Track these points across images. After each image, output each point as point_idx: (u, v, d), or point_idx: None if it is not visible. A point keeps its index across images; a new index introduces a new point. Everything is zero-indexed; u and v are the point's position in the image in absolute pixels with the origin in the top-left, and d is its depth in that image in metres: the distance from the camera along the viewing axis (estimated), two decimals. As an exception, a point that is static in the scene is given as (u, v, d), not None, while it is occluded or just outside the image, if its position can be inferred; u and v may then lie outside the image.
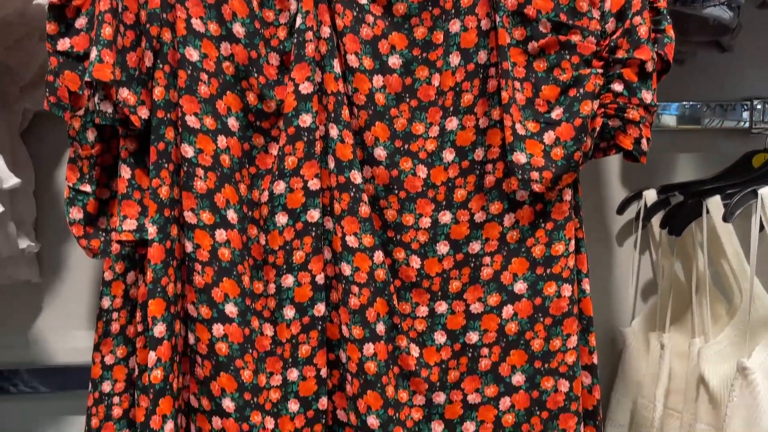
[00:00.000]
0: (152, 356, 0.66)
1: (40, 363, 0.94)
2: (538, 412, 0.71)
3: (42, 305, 0.95)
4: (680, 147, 1.02)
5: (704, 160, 1.02)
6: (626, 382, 0.98)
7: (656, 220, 0.97)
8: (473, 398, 0.72)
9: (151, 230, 0.67)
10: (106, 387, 0.74)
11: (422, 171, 0.72)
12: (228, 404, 0.69)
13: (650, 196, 0.97)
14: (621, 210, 0.99)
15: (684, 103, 0.98)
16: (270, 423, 0.70)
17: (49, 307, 0.95)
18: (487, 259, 0.72)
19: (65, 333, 0.95)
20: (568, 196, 0.71)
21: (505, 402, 0.71)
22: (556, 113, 0.69)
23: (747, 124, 0.99)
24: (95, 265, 0.95)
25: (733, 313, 0.89)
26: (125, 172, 0.70)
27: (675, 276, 0.96)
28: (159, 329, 0.67)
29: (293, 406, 0.71)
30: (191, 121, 0.68)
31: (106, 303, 0.75)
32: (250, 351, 0.70)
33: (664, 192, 0.96)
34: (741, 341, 0.84)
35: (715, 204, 0.87)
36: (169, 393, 0.68)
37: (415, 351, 0.72)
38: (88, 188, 0.72)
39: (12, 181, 0.78)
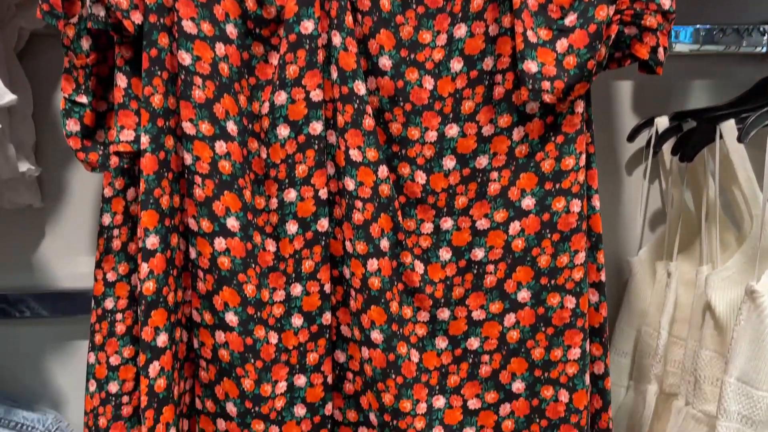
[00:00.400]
0: (144, 268, 0.65)
1: (43, 288, 0.93)
2: (543, 328, 0.69)
3: (45, 230, 0.93)
4: (694, 73, 0.97)
5: (719, 86, 0.97)
6: (631, 311, 0.96)
7: (667, 148, 0.93)
8: (477, 315, 0.70)
9: (144, 140, 0.65)
10: (109, 304, 0.73)
11: (429, 82, 0.68)
12: (231, 318, 0.67)
13: (662, 122, 0.93)
14: (631, 137, 0.96)
15: (699, 26, 0.93)
16: (273, 338, 0.68)
17: (52, 232, 0.93)
18: (494, 174, 0.69)
19: (68, 258, 0.93)
20: (580, 108, 0.67)
21: (510, 318, 0.69)
22: (570, 20, 0.65)
23: (764, 49, 0.94)
24: (97, 190, 0.92)
25: (742, 240, 0.86)
26: (121, 80, 0.67)
27: (684, 205, 0.93)
28: (151, 241, 0.65)
29: (297, 320, 0.69)
30: (187, 26, 0.64)
31: (106, 220, 0.72)
32: (253, 266, 0.68)
33: (677, 119, 0.92)
34: (750, 267, 0.82)
35: (729, 128, 0.83)
36: (162, 306, 0.66)
37: (419, 267, 0.70)
38: (84, 99, 0.69)
39: (8, 97, 0.75)
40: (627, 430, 0.93)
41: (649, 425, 0.91)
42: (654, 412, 0.91)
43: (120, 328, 0.73)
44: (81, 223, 0.93)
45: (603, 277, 0.71)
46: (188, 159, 0.66)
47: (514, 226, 0.68)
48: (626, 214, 0.99)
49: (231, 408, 0.68)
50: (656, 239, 0.96)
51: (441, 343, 0.70)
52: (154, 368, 0.65)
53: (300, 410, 0.69)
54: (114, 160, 0.69)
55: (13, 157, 0.84)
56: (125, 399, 0.73)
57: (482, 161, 0.69)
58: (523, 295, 0.69)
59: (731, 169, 0.85)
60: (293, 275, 0.69)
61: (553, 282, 0.68)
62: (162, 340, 0.66)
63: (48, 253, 0.93)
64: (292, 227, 0.68)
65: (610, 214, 0.98)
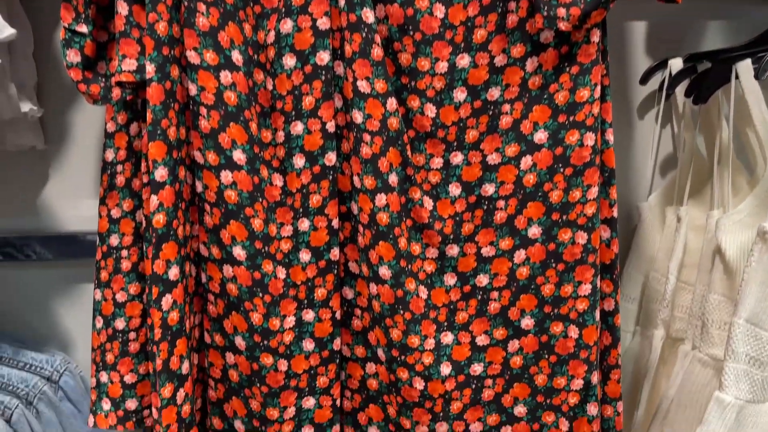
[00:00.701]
0: (154, 200, 0.63)
1: (48, 231, 0.92)
2: (553, 265, 0.67)
3: (49, 173, 0.91)
4: (709, 14, 0.94)
5: (734, 28, 0.94)
6: (639, 257, 0.94)
7: (680, 90, 0.90)
8: (487, 251, 0.68)
9: (149, 68, 0.62)
10: (114, 241, 0.72)
11: (440, 10, 0.65)
12: (239, 252, 0.66)
13: (676, 64, 0.90)
14: (644, 80, 0.93)
15: (716, -35, 0.90)
16: (282, 272, 0.67)
17: (56, 175, 0.91)
18: (506, 107, 0.66)
19: (73, 200, 0.91)
20: (596, 37, 0.64)
21: (519, 255, 0.68)
22: (587, -58, 0.61)
23: (783, -11, 0.91)
24: (101, 131, 0.90)
25: (754, 184, 0.84)
26: (122, 8, 0.64)
27: (696, 149, 0.91)
28: (160, 173, 0.63)
29: (305, 256, 0.67)
30: (191, -52, 0.61)
31: (109, 155, 0.71)
32: (260, 200, 0.66)
33: (691, 60, 0.89)
34: (762, 211, 0.80)
35: (745, 68, 0.80)
36: (173, 239, 0.64)
37: (428, 203, 0.68)
38: (84, 29, 0.67)
39: (7, 31, 0.72)
40: (633, 375, 0.93)
41: (654, 369, 0.91)
42: (660, 356, 0.90)
43: (125, 265, 0.72)
44: (85, 166, 0.91)
45: (615, 213, 0.69)
46: (193, 89, 0.64)
47: (526, 161, 0.66)
48: (637, 160, 0.97)
49: (239, 342, 0.67)
50: (666, 184, 0.94)
51: (450, 279, 0.69)
52: (167, 301, 0.64)
53: (308, 345, 0.68)
54: (116, 92, 0.67)
55: (15, 96, 0.82)
56: (132, 335, 0.72)
57: (494, 93, 0.66)
58: (534, 231, 0.67)
59: (746, 110, 0.82)
60: (301, 210, 0.67)
61: (564, 217, 0.67)
62: (174, 273, 0.64)
63: (52, 196, 0.92)
64: (299, 161, 0.66)
65: (620, 159, 0.95)
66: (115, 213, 0.71)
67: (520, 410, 0.70)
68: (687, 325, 0.89)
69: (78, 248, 0.91)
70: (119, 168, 0.71)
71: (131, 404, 0.73)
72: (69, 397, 0.89)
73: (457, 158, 0.67)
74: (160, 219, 0.63)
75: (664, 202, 0.94)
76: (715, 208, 0.87)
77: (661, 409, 0.88)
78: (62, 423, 0.86)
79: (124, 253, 0.71)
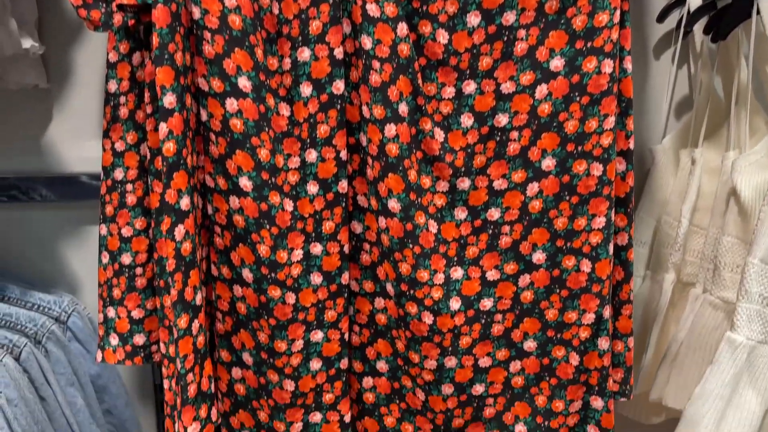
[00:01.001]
0: (163, 128, 0.60)
1: (52, 172, 0.90)
2: (567, 198, 0.65)
3: (53, 113, 0.89)
4: (732, -51, 0.89)
5: (757, -36, 0.89)
6: (652, 200, 0.92)
7: (698, 29, 0.87)
8: (499, 184, 0.66)
9: None
10: (119, 174, 0.70)
11: (453, -71, 0.62)
12: (245, 183, 0.63)
13: (695, 1, 0.86)
14: (662, 17, 0.89)
15: None
16: (289, 205, 0.65)
17: (60, 114, 0.89)
18: (521, 32, 0.63)
19: (77, 142, 0.89)
20: (615, -43, 0.61)
21: (532, 188, 0.66)
22: None
23: None
24: (105, 69, 0.87)
25: (773, 124, 0.81)
26: (122, -75, 0.61)
27: (713, 90, 0.88)
28: (168, 100, 0.60)
29: (312, 187, 0.65)
30: None
31: (112, 86, 0.68)
32: (266, 129, 0.63)
33: (711, -4, 0.85)
34: (780, 151, 0.77)
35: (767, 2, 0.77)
36: (183, 168, 0.62)
37: (439, 135, 0.66)
38: (83, -50, 0.63)
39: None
40: (642, 319, 0.91)
41: (664, 314, 0.89)
42: (669, 301, 0.89)
43: (131, 199, 0.70)
44: (89, 106, 0.89)
45: (632, 145, 0.67)
46: (196, 13, 0.61)
47: (541, 90, 0.63)
48: (651, 101, 0.93)
49: (247, 274, 0.65)
50: (681, 127, 0.91)
51: (460, 213, 0.67)
52: (179, 231, 0.62)
53: (316, 278, 0.66)
54: (117, 18, 0.64)
55: (16, 32, 0.79)
56: (139, 271, 0.71)
57: (509, 17, 0.63)
58: (548, 163, 0.65)
59: (766, 47, 0.79)
60: (308, 141, 0.65)
61: (579, 148, 0.64)
62: (185, 203, 0.62)
63: (56, 136, 0.89)
64: (306, 89, 0.63)
65: (634, 101, 0.92)
66: (119, 146, 0.69)
67: (529, 345, 0.69)
68: (698, 269, 0.87)
69: (81, 189, 0.89)
70: (122, 99, 0.68)
71: (139, 339, 0.72)
72: (78, 338, 0.89)
73: (469, 87, 0.65)
74: (170, 147, 0.61)
75: (678, 144, 0.92)
76: (731, 150, 0.84)
77: (670, 352, 0.87)
78: (71, 362, 0.86)
79: (129, 187, 0.70)
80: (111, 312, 0.71)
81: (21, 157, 0.90)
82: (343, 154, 0.65)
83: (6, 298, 0.87)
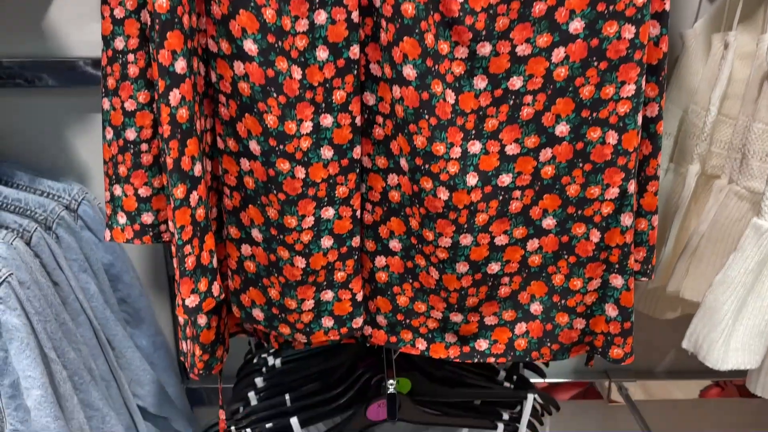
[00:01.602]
0: (176, 94, 0.58)
1: (54, 56, 0.85)
2: (595, 63, 0.59)
3: (51, -7, 0.84)
4: None
5: None
6: (680, 89, 0.85)
7: None
8: (522, 50, 0.60)
9: None
10: (119, 44, 0.64)
11: None
12: (250, 47, 0.58)
13: None
14: None
15: None
16: (297, 73, 0.60)
17: (59, -5, 0.83)
18: None
19: (80, 25, 0.84)
20: None
21: (558, 53, 0.60)
22: None
23: None
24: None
25: (817, 2, 0.73)
26: None
27: (753, -33, 0.79)
28: (180, 65, 0.57)
29: (322, 53, 0.60)
30: None
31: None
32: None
33: None
34: (823, 27, 0.70)
35: None
36: (177, 27, 0.57)
37: (459, -4, 0.59)
38: None
39: None
40: (664, 212, 0.87)
41: (686, 207, 0.85)
42: (692, 193, 0.84)
43: (133, 71, 0.65)
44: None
45: (667, 6, 0.60)
46: None
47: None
48: (685, -19, 0.85)
49: (254, 146, 0.61)
50: (715, 9, 0.83)
51: (480, 82, 0.61)
52: (174, 96, 0.58)
53: (327, 152, 0.62)
54: None
55: None
56: (144, 147, 0.67)
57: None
58: (576, 26, 0.59)
59: None
60: (317, 1, 0.59)
61: (611, 8, 0.58)
62: (180, 66, 0.58)
63: (57, 20, 0.84)
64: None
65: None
66: (119, 12, 0.64)
67: (548, 222, 0.65)
68: (725, 160, 0.81)
69: (83, 76, 0.84)
70: (131, 57, 0.64)
71: (147, 218, 0.69)
72: (89, 226, 0.86)
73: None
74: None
75: (710, 29, 0.84)
76: (767, 32, 0.77)
77: (690, 244, 0.83)
78: (83, 249, 0.84)
79: (131, 57, 0.65)
80: (117, 190, 0.68)
81: (21, 43, 0.84)
82: (355, 16, 0.59)
83: (15, 184, 0.84)
